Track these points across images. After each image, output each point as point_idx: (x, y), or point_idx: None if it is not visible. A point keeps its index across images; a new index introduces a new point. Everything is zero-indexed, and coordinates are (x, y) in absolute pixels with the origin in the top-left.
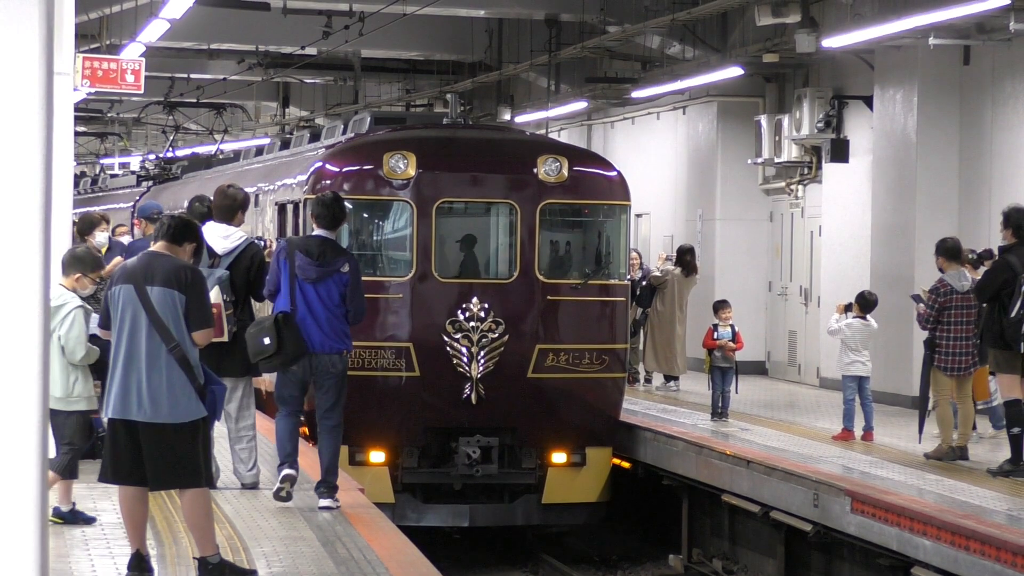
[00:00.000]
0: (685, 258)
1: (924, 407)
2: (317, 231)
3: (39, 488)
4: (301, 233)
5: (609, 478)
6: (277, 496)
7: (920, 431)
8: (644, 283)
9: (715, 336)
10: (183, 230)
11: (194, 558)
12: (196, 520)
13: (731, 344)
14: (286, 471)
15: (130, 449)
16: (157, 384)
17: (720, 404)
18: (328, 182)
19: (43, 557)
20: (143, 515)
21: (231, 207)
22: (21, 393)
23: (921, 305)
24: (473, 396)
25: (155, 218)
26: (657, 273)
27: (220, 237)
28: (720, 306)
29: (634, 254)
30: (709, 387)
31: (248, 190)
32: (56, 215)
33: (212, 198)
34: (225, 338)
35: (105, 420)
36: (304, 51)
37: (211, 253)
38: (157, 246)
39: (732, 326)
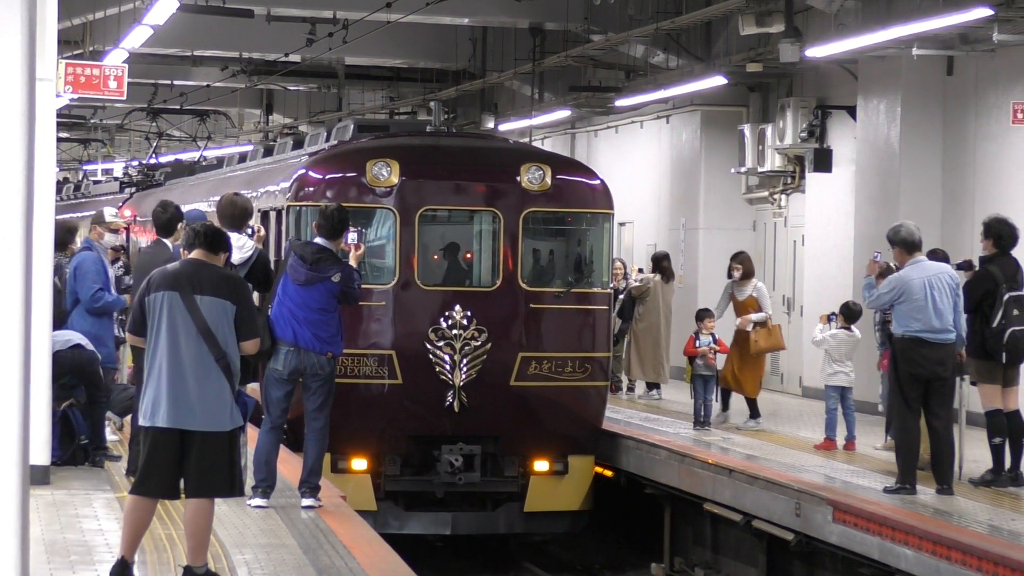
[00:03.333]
0: (662, 264)
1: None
2: (317, 239)
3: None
4: (283, 240)
5: (591, 486)
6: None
7: (887, 434)
8: (623, 296)
9: (696, 344)
10: (220, 239)
11: (181, 566)
12: (197, 530)
13: (714, 347)
14: (258, 501)
15: (172, 460)
16: (209, 393)
17: (703, 413)
18: (311, 189)
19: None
20: (146, 525)
21: (241, 215)
22: (3, 396)
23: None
24: (456, 404)
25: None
26: (636, 283)
27: (235, 247)
28: (704, 315)
29: (618, 263)
30: (692, 396)
31: None
32: (38, 221)
33: (218, 207)
34: None
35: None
36: (288, 58)
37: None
38: (195, 254)
39: (713, 335)
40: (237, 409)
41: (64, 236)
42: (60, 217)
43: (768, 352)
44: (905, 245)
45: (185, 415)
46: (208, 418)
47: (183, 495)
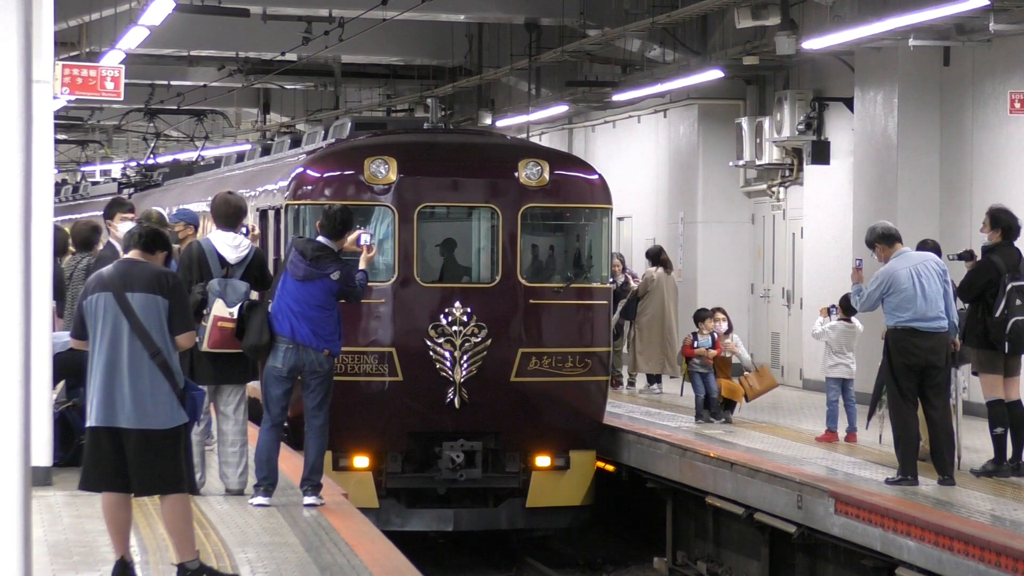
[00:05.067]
0: (661, 258)
1: (876, 397)
2: (320, 237)
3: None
4: (282, 239)
5: (593, 481)
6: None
7: (868, 420)
8: (627, 295)
9: (695, 344)
10: (155, 239)
11: (173, 564)
12: (175, 525)
13: (711, 352)
14: (260, 499)
15: (112, 456)
16: (141, 390)
17: (707, 404)
18: (309, 187)
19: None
20: (126, 521)
21: (236, 214)
22: (4, 398)
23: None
24: (456, 400)
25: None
26: (639, 281)
27: (230, 247)
28: (703, 315)
29: (616, 259)
30: (692, 390)
31: None
32: (36, 223)
33: (212, 206)
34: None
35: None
36: (284, 57)
37: (222, 262)
38: (131, 254)
39: (713, 335)
40: (180, 407)
41: (90, 235)
42: (84, 216)
43: (765, 393)
44: (885, 239)
45: (117, 413)
46: (142, 416)
47: (132, 494)
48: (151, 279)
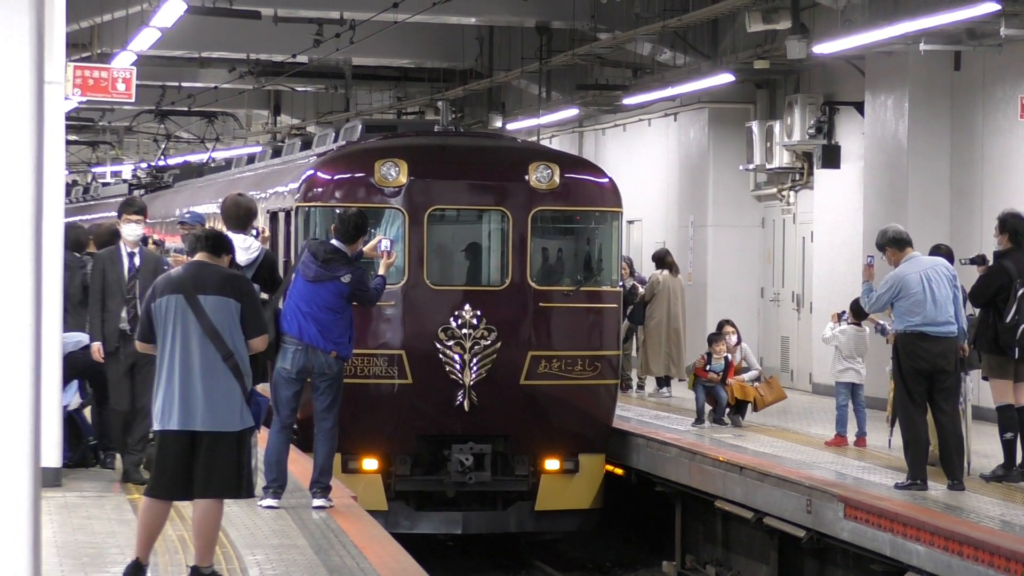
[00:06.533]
0: (667, 260)
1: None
2: (333, 240)
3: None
4: (292, 242)
5: (602, 485)
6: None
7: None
8: (636, 300)
9: (707, 367)
10: (222, 242)
11: (189, 566)
12: (205, 530)
13: (721, 375)
14: (269, 501)
15: (184, 461)
16: (216, 393)
17: (713, 412)
18: (320, 190)
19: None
20: (160, 528)
21: (246, 216)
22: (14, 398)
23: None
24: (466, 403)
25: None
26: (644, 287)
27: (240, 248)
28: (715, 339)
29: (624, 262)
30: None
31: None
32: (47, 224)
33: (222, 208)
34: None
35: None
36: (295, 59)
37: (232, 264)
38: (199, 256)
39: (726, 358)
40: (248, 410)
41: (112, 239)
42: (104, 217)
43: (773, 403)
44: (896, 243)
45: (193, 416)
46: (215, 418)
47: (194, 496)
48: (223, 281)
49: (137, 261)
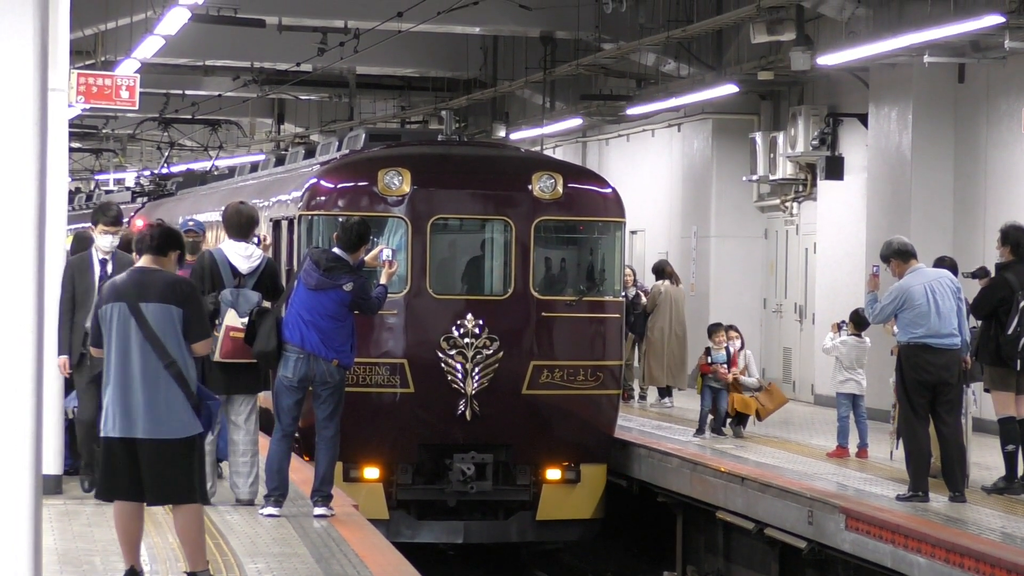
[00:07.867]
0: (667, 271)
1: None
2: (335, 249)
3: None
4: (295, 250)
5: (603, 495)
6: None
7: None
8: (637, 311)
9: (709, 360)
10: (167, 239)
11: (184, 572)
12: (188, 535)
13: (723, 368)
14: (270, 510)
15: (128, 466)
16: (156, 401)
17: (713, 421)
18: (323, 198)
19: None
20: (138, 531)
21: (248, 224)
22: (16, 405)
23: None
24: (468, 413)
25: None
26: (645, 299)
27: (242, 257)
28: (715, 329)
29: (628, 271)
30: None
31: None
32: (50, 231)
33: (224, 216)
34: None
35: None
36: (299, 68)
37: (234, 272)
38: (143, 260)
39: (727, 348)
40: (194, 416)
41: (85, 244)
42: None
43: (776, 410)
44: (901, 255)
45: (134, 424)
46: (157, 426)
47: (146, 503)
48: (165, 289)
49: (110, 268)
